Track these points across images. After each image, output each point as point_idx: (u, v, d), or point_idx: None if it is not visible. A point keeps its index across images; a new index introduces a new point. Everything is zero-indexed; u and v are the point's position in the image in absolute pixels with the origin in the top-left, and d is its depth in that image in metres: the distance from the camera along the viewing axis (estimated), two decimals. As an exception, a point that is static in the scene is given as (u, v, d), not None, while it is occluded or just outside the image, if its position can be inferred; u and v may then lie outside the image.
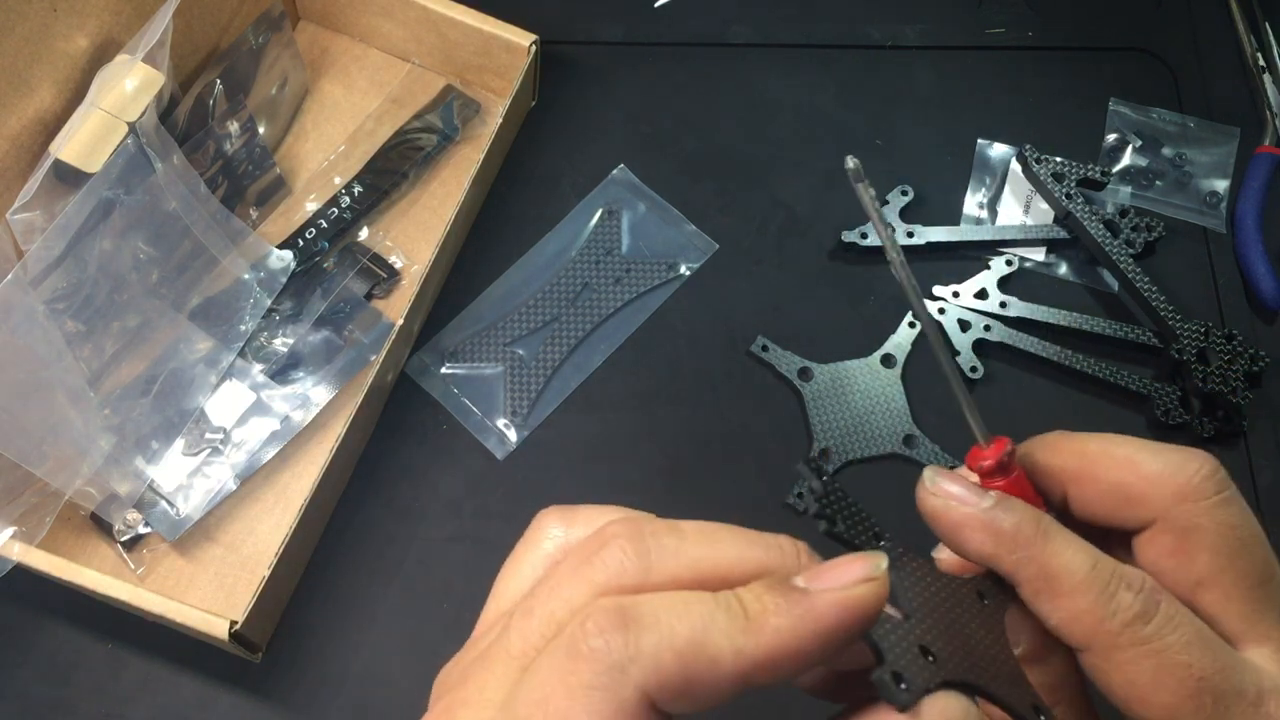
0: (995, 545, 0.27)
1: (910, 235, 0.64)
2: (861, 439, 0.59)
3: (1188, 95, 0.71)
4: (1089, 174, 0.65)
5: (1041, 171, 0.66)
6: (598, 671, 0.22)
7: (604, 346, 0.61)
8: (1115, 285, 0.65)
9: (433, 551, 0.56)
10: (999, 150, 0.69)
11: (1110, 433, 0.29)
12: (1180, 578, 0.27)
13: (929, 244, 0.65)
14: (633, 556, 0.24)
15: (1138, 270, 0.63)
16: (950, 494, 0.28)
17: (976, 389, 0.62)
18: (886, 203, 0.65)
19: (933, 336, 0.31)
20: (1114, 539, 0.28)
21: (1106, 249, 0.63)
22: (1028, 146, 0.66)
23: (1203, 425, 0.60)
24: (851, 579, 0.23)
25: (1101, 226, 0.64)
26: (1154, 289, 0.62)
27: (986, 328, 0.62)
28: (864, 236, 0.64)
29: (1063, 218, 0.66)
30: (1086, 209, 0.64)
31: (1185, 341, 0.61)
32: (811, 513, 0.27)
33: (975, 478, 0.29)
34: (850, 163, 0.28)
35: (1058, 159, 0.66)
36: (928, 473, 0.29)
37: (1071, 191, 0.65)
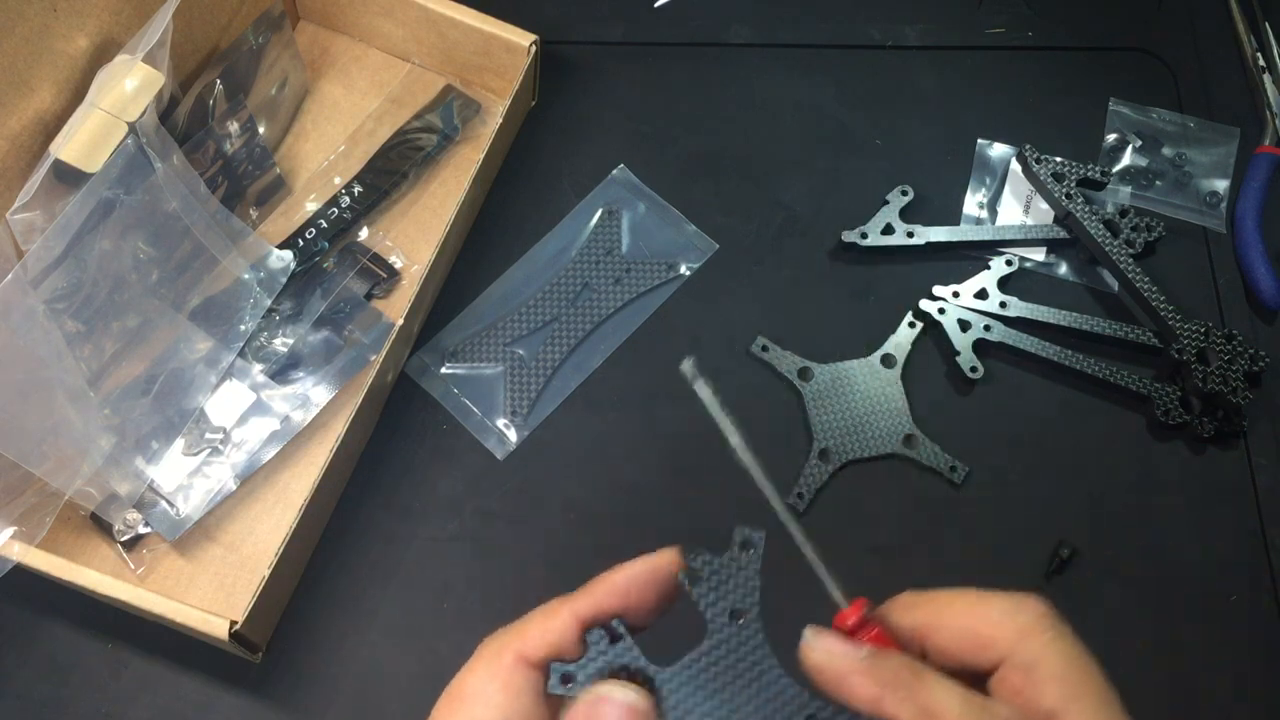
0: (879, 689, 0.30)
1: (910, 235, 0.64)
2: (861, 439, 0.59)
3: (1188, 95, 0.71)
4: (1089, 174, 0.65)
5: (1041, 171, 0.66)
6: (487, 648, 0.32)
7: (604, 346, 0.61)
8: (1115, 285, 0.65)
9: (433, 551, 0.56)
10: (999, 150, 0.69)
11: (953, 588, 0.32)
12: (1034, 710, 0.30)
13: (929, 244, 0.65)
14: None
15: (1138, 270, 0.63)
16: (832, 648, 0.31)
17: (976, 389, 0.62)
18: (887, 202, 0.65)
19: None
20: (971, 682, 0.31)
21: (1106, 249, 0.63)
22: (1028, 146, 0.66)
23: (1202, 425, 0.60)
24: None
25: (1101, 226, 0.64)
26: (1154, 289, 0.62)
27: (986, 328, 0.62)
28: (864, 236, 0.64)
29: (1062, 218, 0.66)
30: (1086, 209, 0.64)
31: (1185, 341, 0.61)
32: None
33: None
34: (686, 366, 0.33)
35: (1058, 159, 0.66)
36: (808, 632, 0.32)
37: (1071, 191, 0.65)
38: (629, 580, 0.33)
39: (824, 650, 0.31)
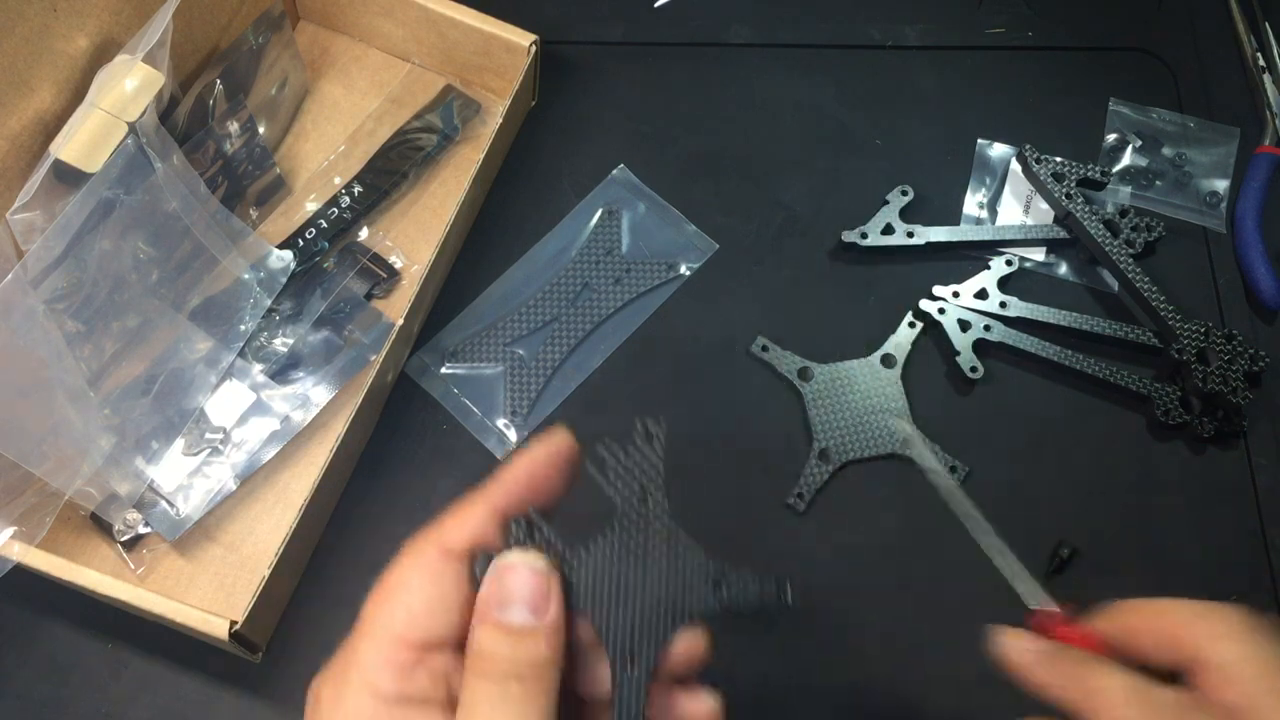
0: (1053, 676, 0.36)
1: (910, 235, 0.64)
2: (861, 439, 0.59)
3: (1188, 95, 0.71)
4: (1089, 174, 0.65)
5: (1041, 171, 0.66)
6: (410, 545, 0.34)
7: (604, 346, 0.61)
8: (1115, 285, 0.65)
9: (433, 551, 0.56)
10: (999, 150, 0.69)
11: (1157, 598, 0.37)
12: (1219, 703, 0.33)
13: (929, 244, 0.64)
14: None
15: (1137, 270, 0.63)
16: (1017, 643, 0.38)
17: (976, 389, 0.62)
18: (887, 202, 0.65)
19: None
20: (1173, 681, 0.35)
21: (1106, 249, 0.63)
22: (1028, 146, 0.66)
23: (1202, 425, 0.60)
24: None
25: (1101, 226, 0.64)
26: (1154, 289, 0.62)
27: (986, 328, 0.62)
28: (864, 236, 0.64)
29: (1062, 218, 0.66)
30: (1086, 209, 0.64)
31: (1185, 341, 0.61)
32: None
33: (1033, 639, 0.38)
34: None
35: (1058, 159, 0.66)
36: (1001, 632, 0.38)
37: (1071, 191, 0.65)
38: (531, 464, 0.35)
39: (1011, 645, 0.38)
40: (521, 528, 0.34)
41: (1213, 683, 0.34)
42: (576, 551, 0.34)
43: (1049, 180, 0.65)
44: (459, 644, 0.33)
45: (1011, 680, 0.37)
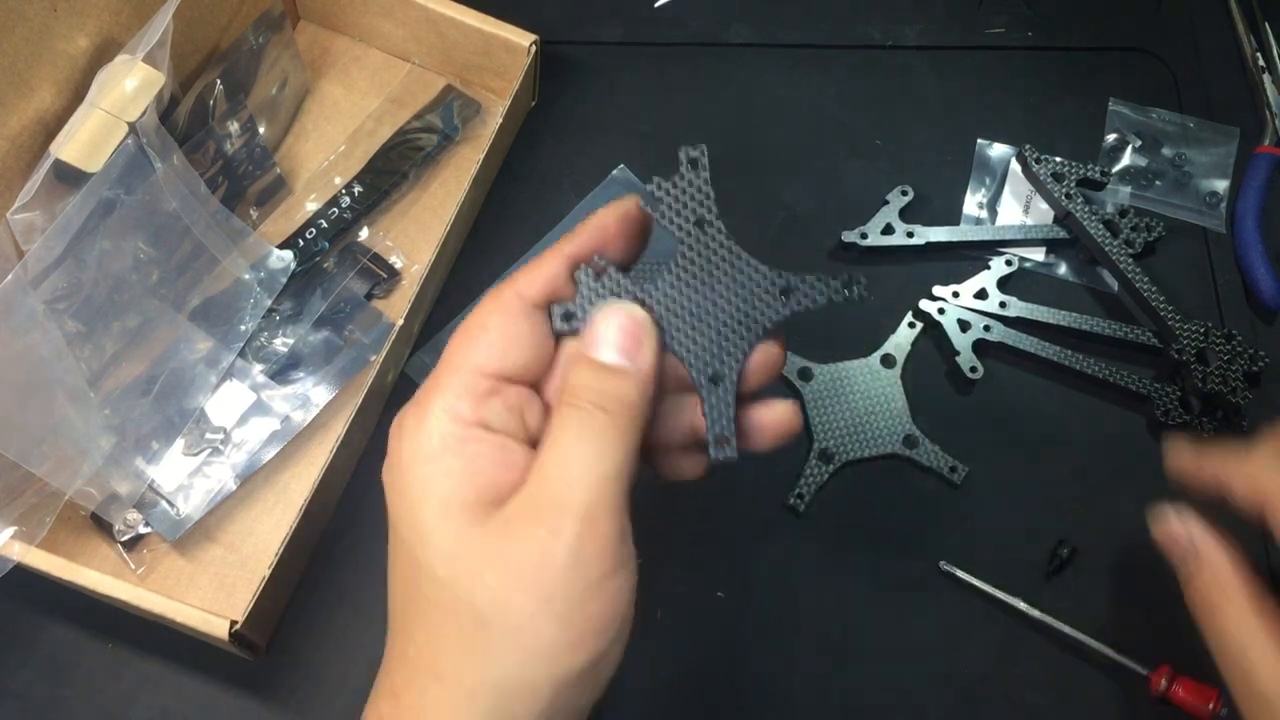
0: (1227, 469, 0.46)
1: (910, 235, 0.64)
2: (861, 439, 0.59)
3: (1188, 95, 0.71)
4: (1089, 174, 0.65)
5: (1041, 171, 0.66)
6: (490, 293, 0.36)
7: (604, 346, 0.61)
8: (1115, 285, 0.65)
9: (433, 551, 0.56)
10: (999, 150, 0.69)
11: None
12: None
13: (929, 244, 0.64)
14: None
15: (1137, 270, 0.63)
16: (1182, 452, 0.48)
17: (976, 389, 0.61)
18: (887, 202, 0.65)
19: None
20: None
21: (1106, 249, 0.63)
22: (1027, 146, 0.66)
23: (1202, 425, 0.60)
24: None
25: (1101, 226, 0.64)
26: (1153, 289, 0.62)
27: (986, 328, 0.62)
28: (864, 236, 0.64)
29: (1062, 217, 0.66)
30: (1086, 209, 0.64)
31: (1185, 341, 0.61)
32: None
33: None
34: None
35: (1057, 159, 0.66)
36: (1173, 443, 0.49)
37: (1071, 191, 0.65)
38: (601, 220, 0.37)
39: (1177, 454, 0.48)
40: (589, 274, 0.35)
41: None
42: (647, 290, 0.36)
43: (1048, 180, 0.65)
44: (534, 382, 0.35)
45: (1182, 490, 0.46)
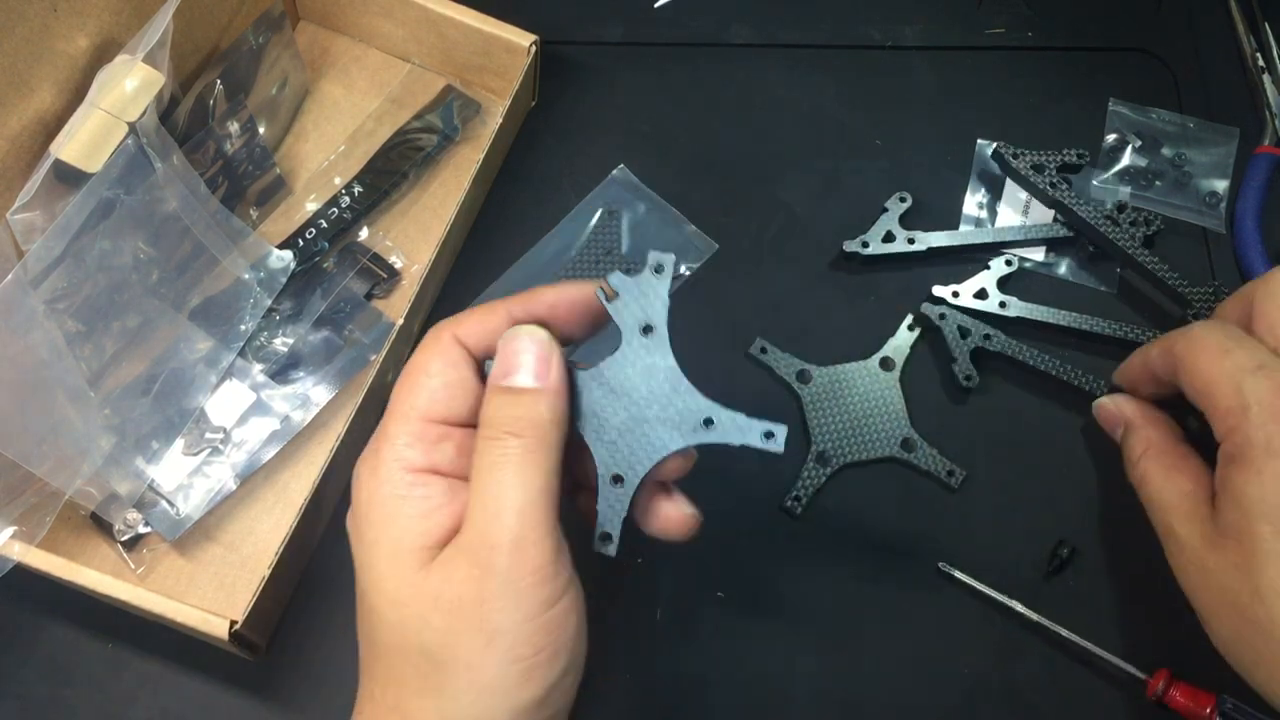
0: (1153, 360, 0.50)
1: (911, 242, 0.64)
2: (859, 442, 0.59)
3: (1187, 95, 0.71)
4: (1066, 159, 0.66)
5: (1021, 166, 0.66)
6: (429, 335, 0.38)
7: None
8: (1115, 286, 0.65)
9: (432, 551, 0.56)
10: (999, 150, 0.69)
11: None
12: None
13: (929, 250, 0.64)
14: None
15: (1137, 246, 0.63)
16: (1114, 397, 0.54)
17: (975, 392, 0.61)
18: (886, 210, 0.65)
19: None
20: None
21: (1102, 230, 0.63)
22: (1002, 144, 0.66)
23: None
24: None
25: (1092, 209, 0.64)
26: (1155, 259, 0.63)
27: (987, 336, 0.61)
28: (865, 245, 0.64)
29: (1054, 207, 0.66)
30: (1073, 195, 0.64)
31: (1199, 305, 0.62)
32: None
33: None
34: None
35: (1033, 151, 0.66)
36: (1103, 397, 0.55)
37: (1055, 180, 0.65)
38: (558, 295, 0.38)
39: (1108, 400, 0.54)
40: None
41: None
42: (576, 372, 0.37)
43: (1029, 173, 0.65)
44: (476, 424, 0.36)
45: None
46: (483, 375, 0.37)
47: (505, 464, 0.33)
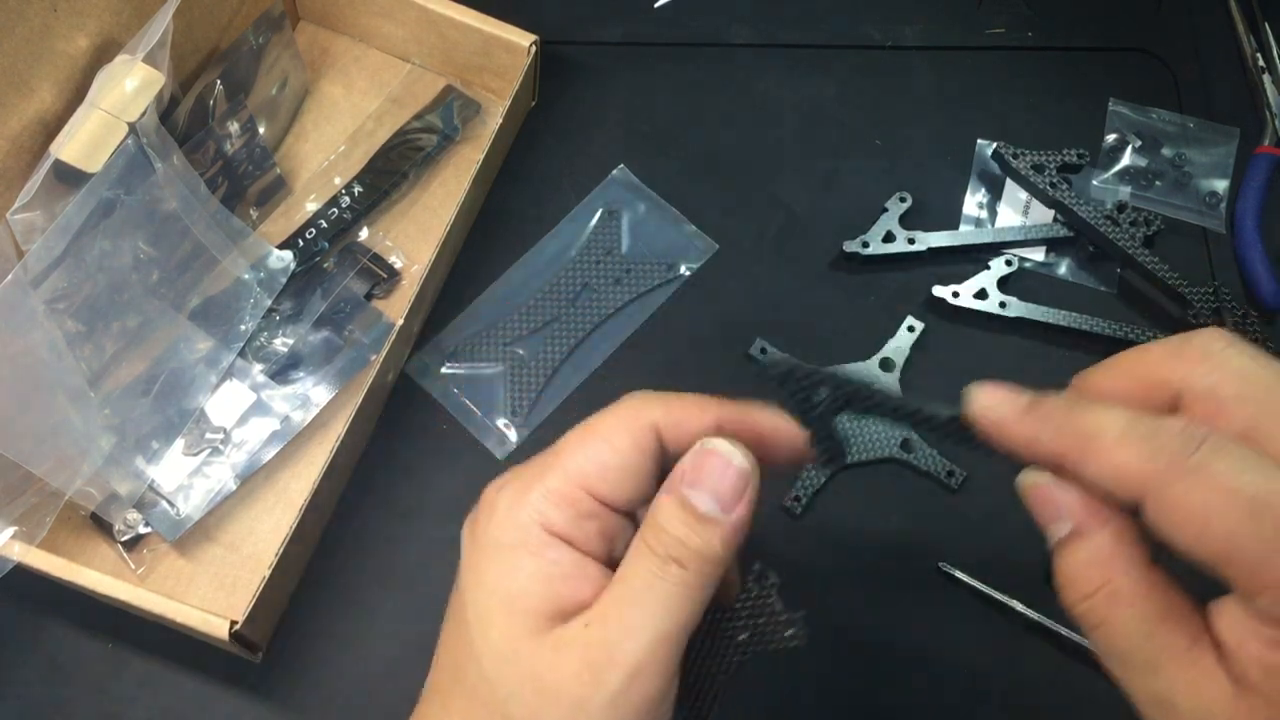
0: (1035, 426, 0.30)
1: (912, 242, 0.64)
2: (859, 443, 0.59)
3: (1187, 95, 0.71)
4: (1066, 159, 0.66)
5: (1021, 166, 0.66)
6: (628, 405, 0.34)
7: (604, 347, 0.61)
8: (1115, 286, 0.65)
9: (433, 551, 0.56)
10: (999, 150, 0.69)
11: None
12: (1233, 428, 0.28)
13: (929, 249, 0.64)
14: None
15: (1137, 246, 0.63)
16: (992, 398, 0.32)
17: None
18: (886, 210, 0.65)
19: None
20: None
21: (1102, 229, 0.63)
22: (1002, 144, 0.66)
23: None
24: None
25: (1092, 209, 0.64)
26: (1155, 259, 0.63)
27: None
28: (865, 245, 0.64)
29: (1054, 207, 0.66)
30: (1072, 195, 0.64)
31: (1199, 305, 0.62)
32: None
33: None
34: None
35: (1033, 151, 0.66)
36: (972, 387, 0.33)
37: (1055, 180, 0.65)
38: (775, 427, 0.35)
39: (984, 400, 0.32)
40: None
41: (1205, 413, 0.28)
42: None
43: (1029, 173, 0.65)
44: (633, 512, 0.34)
45: (991, 445, 0.32)
46: (663, 467, 0.34)
47: (659, 587, 0.32)
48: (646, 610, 0.31)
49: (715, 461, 0.33)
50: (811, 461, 0.35)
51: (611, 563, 0.34)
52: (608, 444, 0.33)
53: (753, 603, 0.35)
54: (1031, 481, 0.31)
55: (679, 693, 0.34)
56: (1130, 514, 0.29)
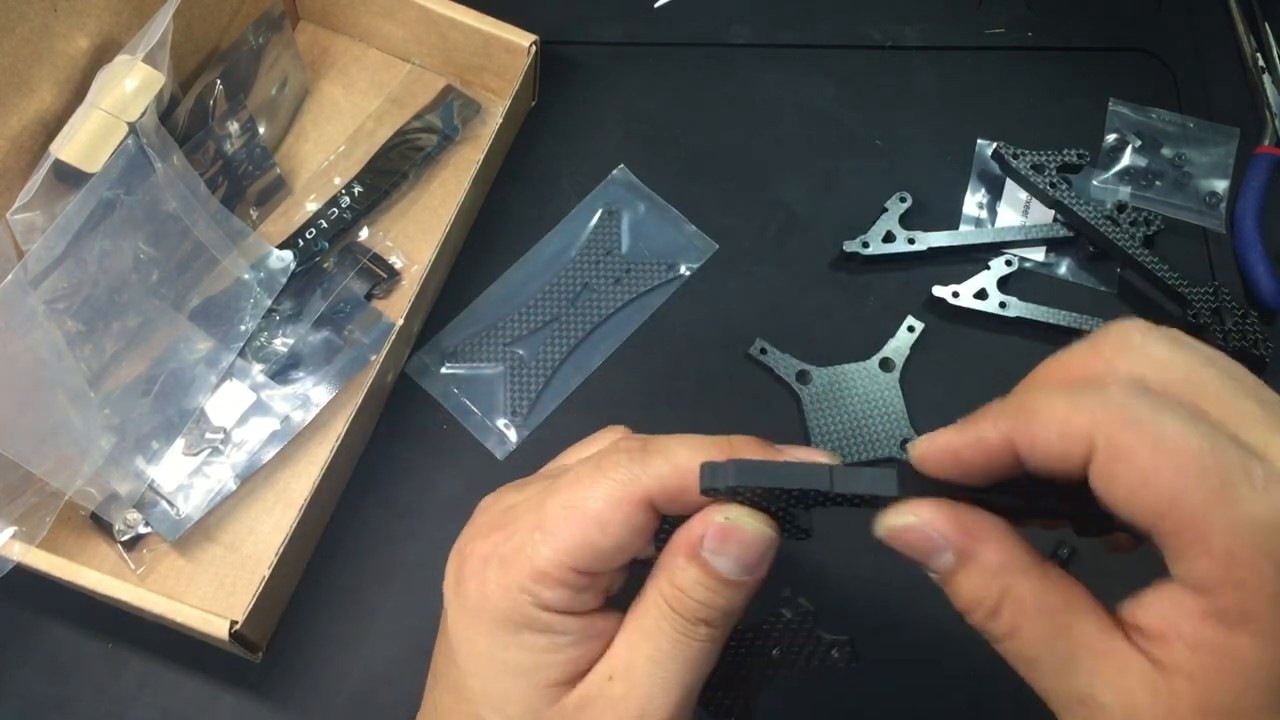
0: (977, 432, 0.29)
1: (912, 242, 0.64)
2: (859, 443, 0.59)
3: (1187, 95, 0.71)
4: (1066, 159, 0.66)
5: (1021, 166, 0.66)
6: (618, 477, 0.32)
7: (604, 346, 0.61)
8: (1115, 286, 0.65)
9: (433, 551, 0.56)
10: (999, 150, 0.69)
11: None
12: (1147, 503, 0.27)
13: (930, 249, 0.64)
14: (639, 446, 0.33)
15: (1137, 246, 0.63)
16: (927, 437, 0.31)
17: (976, 393, 0.61)
18: (886, 210, 0.65)
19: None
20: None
21: (1102, 230, 0.63)
22: (1002, 144, 0.66)
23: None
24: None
25: (1092, 209, 0.64)
26: (1155, 259, 0.63)
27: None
28: (865, 245, 0.64)
29: (1054, 207, 0.66)
30: (1072, 195, 0.64)
31: (1199, 305, 0.62)
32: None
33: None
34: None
35: (1032, 151, 0.66)
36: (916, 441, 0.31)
37: (1055, 180, 0.65)
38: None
39: (923, 444, 0.31)
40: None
41: (1117, 476, 0.26)
42: None
43: (1029, 173, 0.65)
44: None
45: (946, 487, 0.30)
46: (662, 530, 0.33)
47: (689, 648, 0.32)
48: (674, 667, 0.32)
49: (737, 535, 0.32)
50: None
51: (610, 599, 0.34)
52: (599, 529, 0.32)
53: (785, 627, 0.35)
54: (892, 524, 0.30)
55: (715, 710, 0.35)
56: (1012, 519, 0.30)
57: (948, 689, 0.55)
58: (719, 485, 0.31)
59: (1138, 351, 0.28)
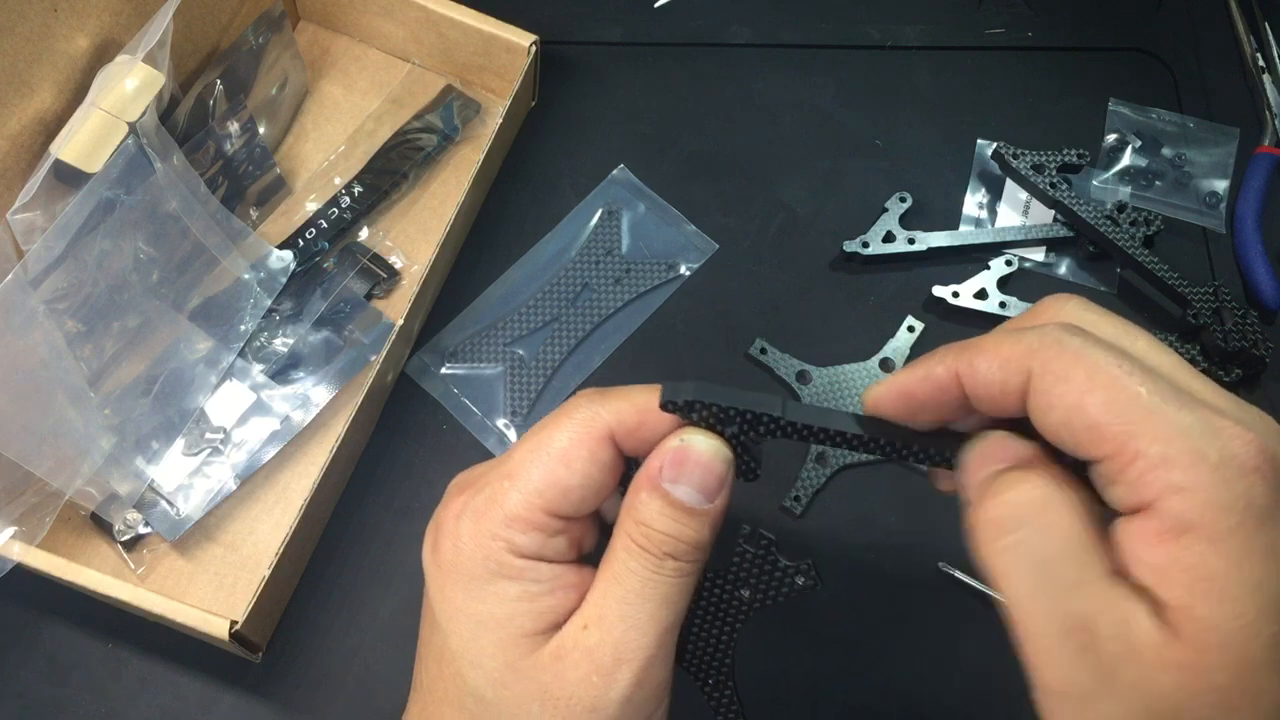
0: (927, 369, 0.31)
1: (912, 242, 0.64)
2: (861, 439, 0.59)
3: (1187, 95, 0.72)
4: (1066, 159, 0.66)
5: (1021, 166, 0.66)
6: (579, 415, 0.33)
7: (604, 346, 0.61)
8: (1115, 286, 0.65)
9: (432, 551, 0.56)
10: (999, 150, 0.69)
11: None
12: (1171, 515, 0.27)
13: (929, 249, 0.64)
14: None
15: (1137, 246, 0.63)
16: (881, 381, 0.33)
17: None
18: (886, 209, 0.65)
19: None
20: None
21: (1102, 230, 0.63)
22: (1002, 144, 0.66)
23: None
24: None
25: (1093, 209, 0.64)
26: (1155, 259, 0.63)
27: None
28: (865, 245, 0.64)
29: (1054, 207, 0.66)
30: (1072, 195, 0.64)
31: (1199, 305, 0.62)
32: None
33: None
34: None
35: (1032, 151, 0.66)
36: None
37: (1055, 180, 0.65)
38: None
39: (876, 387, 0.33)
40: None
41: (1140, 475, 0.26)
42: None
43: (1029, 173, 0.65)
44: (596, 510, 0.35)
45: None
46: (627, 468, 0.34)
47: (657, 582, 0.32)
48: (647, 607, 0.32)
49: (694, 456, 0.33)
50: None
51: (583, 557, 0.34)
52: (565, 466, 0.33)
53: (749, 563, 0.36)
54: (982, 444, 0.31)
55: (693, 664, 0.35)
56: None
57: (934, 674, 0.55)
58: (677, 399, 0.32)
59: (1071, 315, 0.31)
